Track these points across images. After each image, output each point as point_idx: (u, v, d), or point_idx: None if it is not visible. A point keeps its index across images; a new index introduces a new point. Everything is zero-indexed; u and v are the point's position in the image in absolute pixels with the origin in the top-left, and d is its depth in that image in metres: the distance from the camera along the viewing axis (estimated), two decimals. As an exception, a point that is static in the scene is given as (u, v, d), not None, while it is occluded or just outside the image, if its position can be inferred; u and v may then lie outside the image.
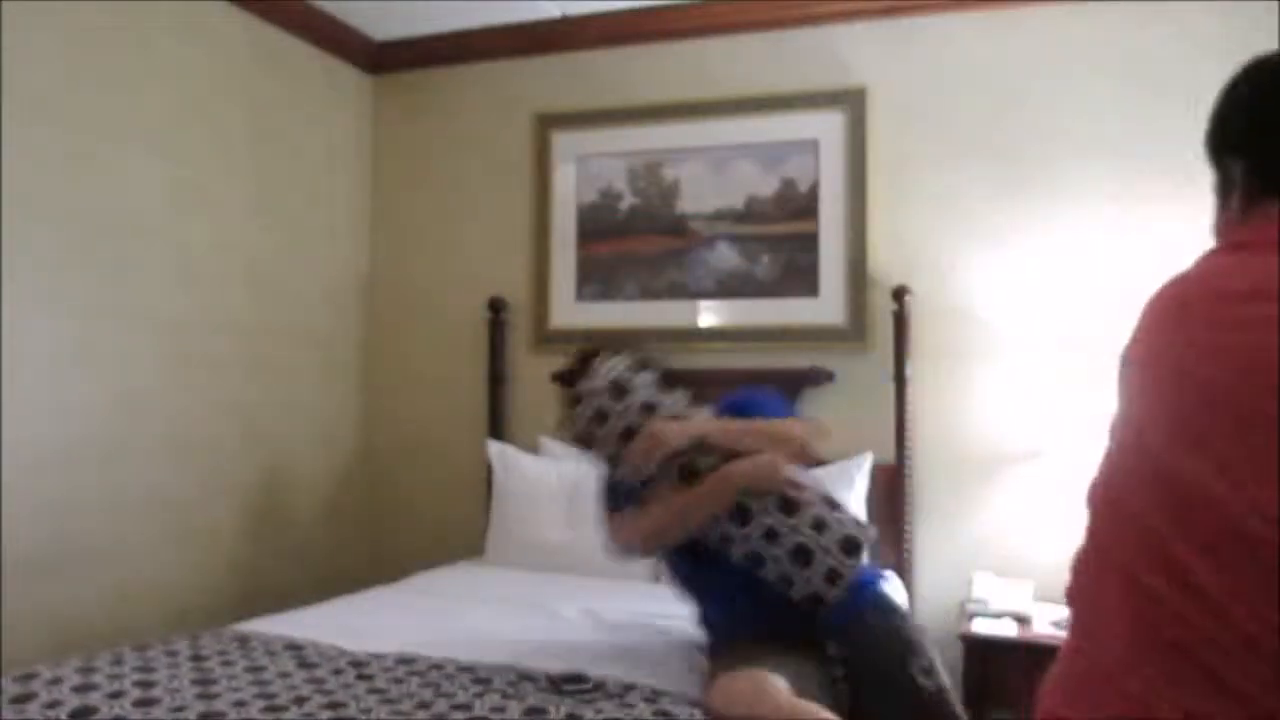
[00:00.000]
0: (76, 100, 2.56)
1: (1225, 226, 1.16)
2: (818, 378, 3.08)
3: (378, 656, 2.03)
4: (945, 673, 1.91)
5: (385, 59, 3.64)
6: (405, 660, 2.00)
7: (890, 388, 2.96)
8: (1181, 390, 0.99)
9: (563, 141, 3.43)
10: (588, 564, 2.74)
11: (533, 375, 3.43)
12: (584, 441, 2.14)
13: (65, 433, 2.53)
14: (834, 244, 3.11)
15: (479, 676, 1.89)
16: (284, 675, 1.88)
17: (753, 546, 1.96)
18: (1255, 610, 0.85)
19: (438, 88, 3.63)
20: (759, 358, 3.16)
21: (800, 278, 3.15)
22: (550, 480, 3.06)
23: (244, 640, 2.14)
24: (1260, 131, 1.13)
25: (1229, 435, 0.91)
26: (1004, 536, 2.90)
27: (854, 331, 3.08)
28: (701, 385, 3.21)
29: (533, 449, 3.28)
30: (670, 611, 2.36)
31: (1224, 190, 1.18)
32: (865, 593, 2.02)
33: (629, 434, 2.07)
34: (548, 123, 3.45)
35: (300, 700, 1.72)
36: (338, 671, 1.92)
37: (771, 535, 1.96)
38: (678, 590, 2.20)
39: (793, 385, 3.09)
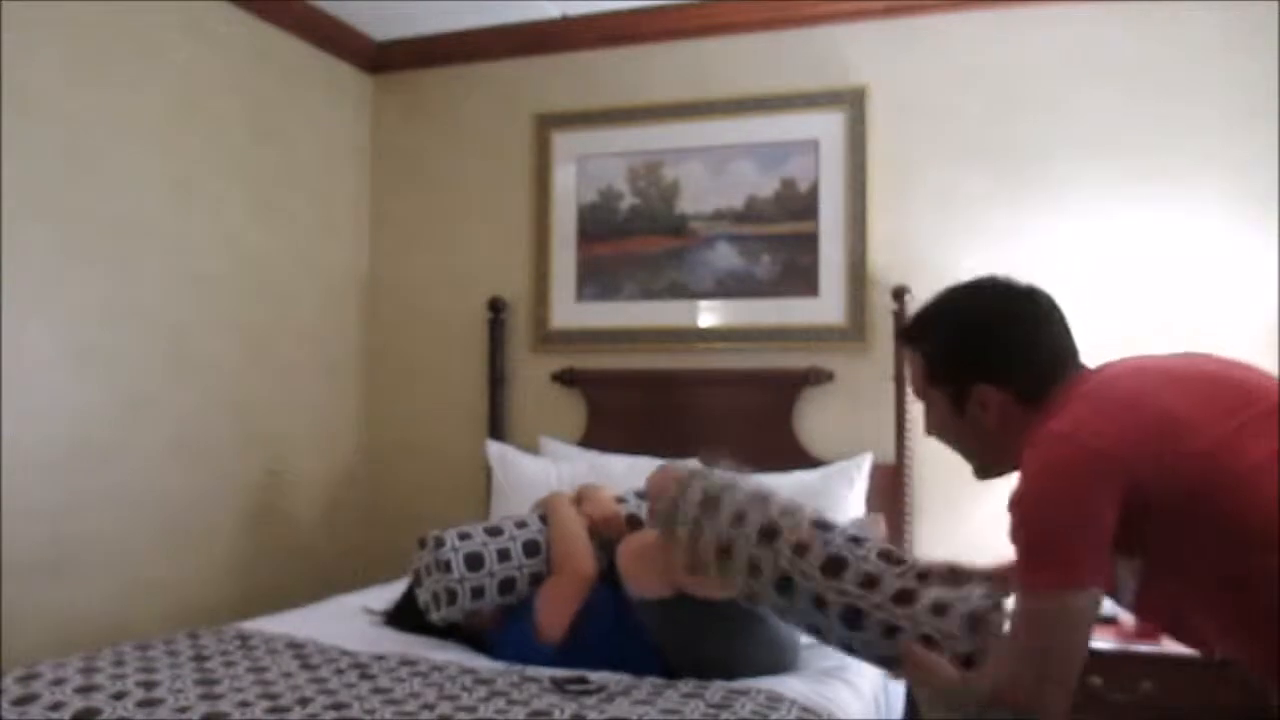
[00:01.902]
0: (76, 100, 2.56)
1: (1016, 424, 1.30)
2: (818, 378, 3.08)
3: (379, 657, 2.03)
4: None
5: (385, 59, 3.63)
6: (407, 661, 2.00)
7: (890, 388, 2.96)
8: None
9: (563, 141, 3.43)
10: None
11: (533, 375, 3.43)
12: None
13: (65, 433, 2.52)
14: (834, 244, 3.11)
15: (481, 678, 1.89)
16: (287, 675, 1.88)
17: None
18: None
19: (438, 88, 3.62)
20: (759, 358, 3.16)
21: (800, 278, 3.15)
22: (550, 480, 3.05)
23: (245, 639, 2.14)
24: (1021, 360, 1.31)
25: None
26: (1004, 537, 2.89)
27: (854, 331, 3.08)
28: (702, 385, 3.23)
29: (533, 449, 3.28)
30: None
31: (967, 409, 1.35)
32: None
33: None
34: (548, 123, 3.45)
35: (304, 701, 1.72)
36: (340, 671, 1.92)
37: None
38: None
39: (793, 385, 3.10)
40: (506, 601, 2.17)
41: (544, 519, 2.30)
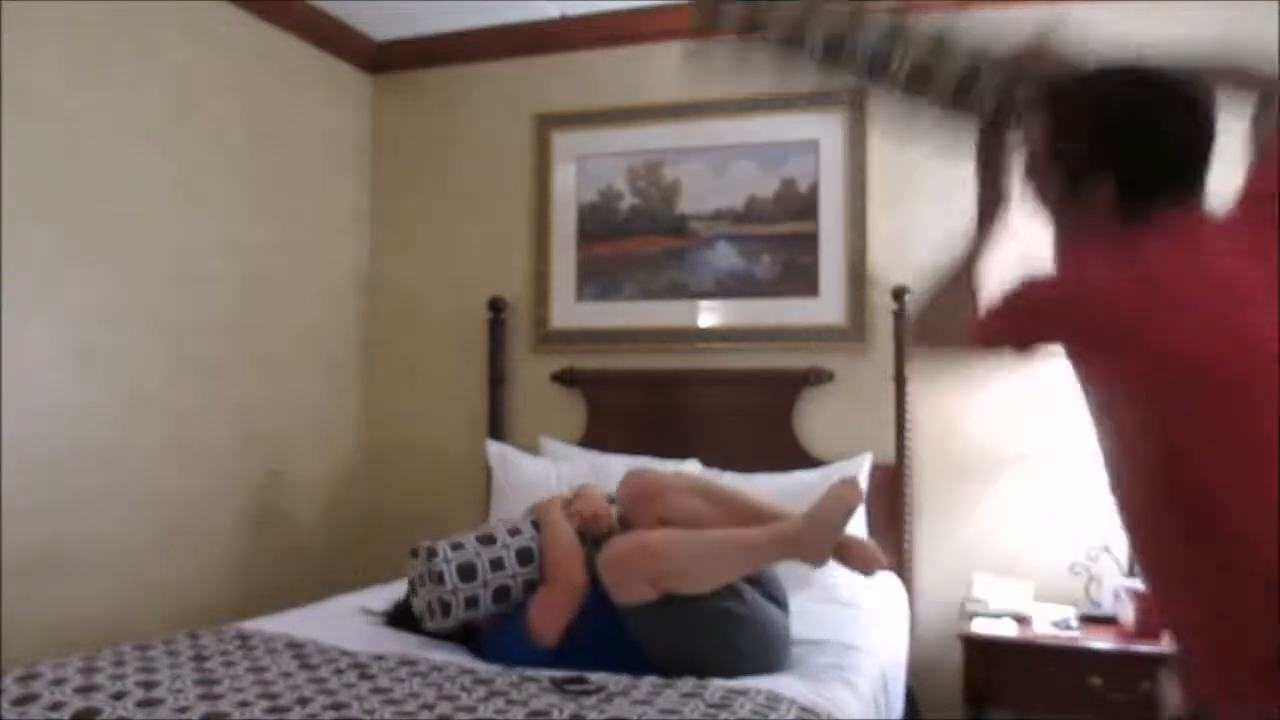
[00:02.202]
0: (76, 100, 2.56)
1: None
2: (818, 378, 3.08)
3: (379, 657, 2.03)
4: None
5: (385, 59, 3.63)
6: (407, 661, 2.00)
7: (890, 388, 2.96)
8: None
9: (563, 141, 3.43)
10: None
11: (533, 375, 3.43)
12: None
13: (65, 432, 2.52)
14: (834, 244, 3.11)
15: (481, 678, 1.89)
16: (286, 675, 1.88)
17: None
18: None
19: (438, 88, 3.62)
20: (759, 358, 3.16)
21: (800, 278, 3.15)
22: (550, 480, 3.05)
23: (245, 639, 2.14)
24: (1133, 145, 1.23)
25: None
26: (1004, 537, 2.90)
27: (854, 331, 3.08)
28: (702, 385, 3.23)
29: (533, 449, 3.28)
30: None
31: (1075, 206, 1.28)
32: None
33: None
34: (548, 123, 3.45)
35: (304, 701, 1.72)
36: (339, 671, 1.92)
37: None
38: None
39: (793, 385, 3.10)
40: (501, 609, 2.17)
41: (537, 525, 2.29)
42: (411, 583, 2.23)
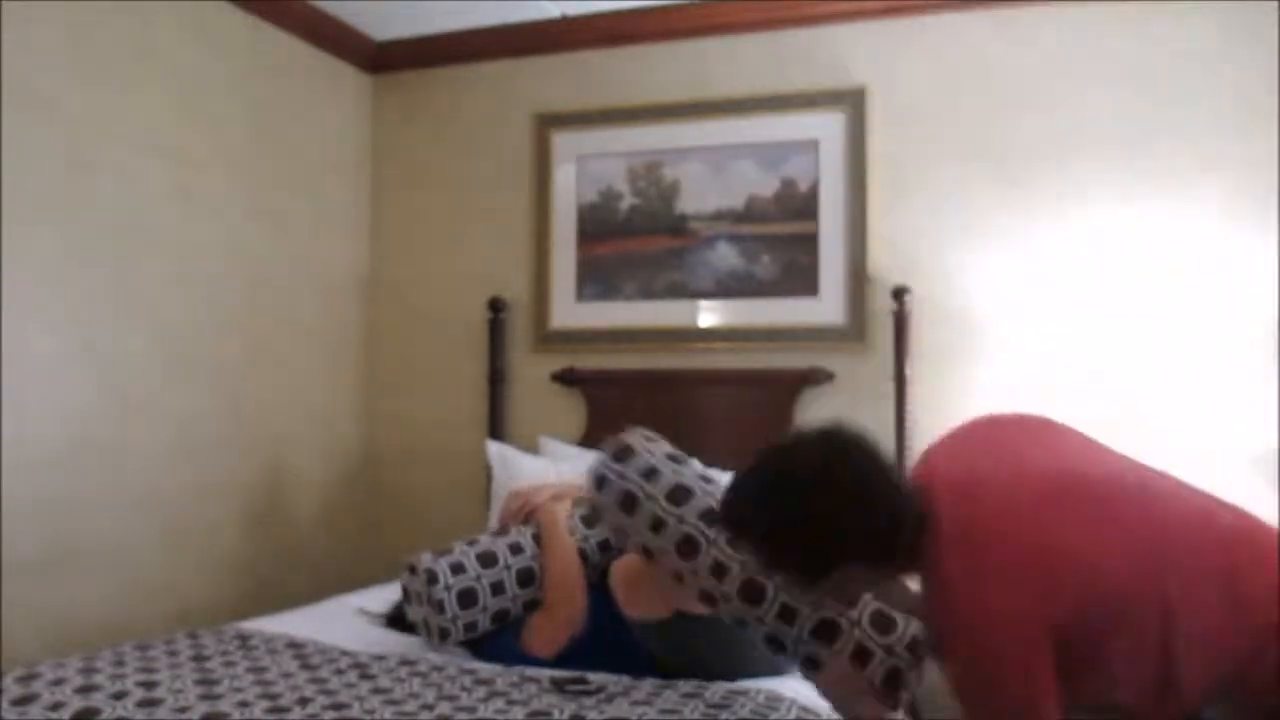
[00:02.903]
0: (77, 100, 2.56)
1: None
2: (818, 378, 3.08)
3: (379, 658, 2.03)
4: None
5: (385, 59, 3.63)
6: (407, 662, 2.00)
7: (890, 388, 2.96)
8: None
9: (563, 141, 3.43)
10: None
11: (533, 375, 3.43)
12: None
13: (65, 433, 2.52)
14: (834, 244, 3.11)
15: (481, 678, 1.89)
16: (286, 675, 1.88)
17: None
18: None
19: (438, 88, 3.62)
20: (759, 358, 3.16)
21: (800, 278, 3.15)
22: (550, 480, 3.05)
23: (245, 639, 2.14)
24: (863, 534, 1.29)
25: None
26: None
27: (854, 332, 3.08)
28: (702, 385, 3.23)
29: (533, 449, 3.28)
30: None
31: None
32: None
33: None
34: (548, 123, 3.45)
35: (304, 701, 1.72)
36: (339, 672, 1.92)
37: None
38: None
39: (793, 385, 3.10)
40: (499, 627, 2.15)
41: (537, 539, 2.23)
42: (407, 593, 2.18)
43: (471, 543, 2.20)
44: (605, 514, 1.70)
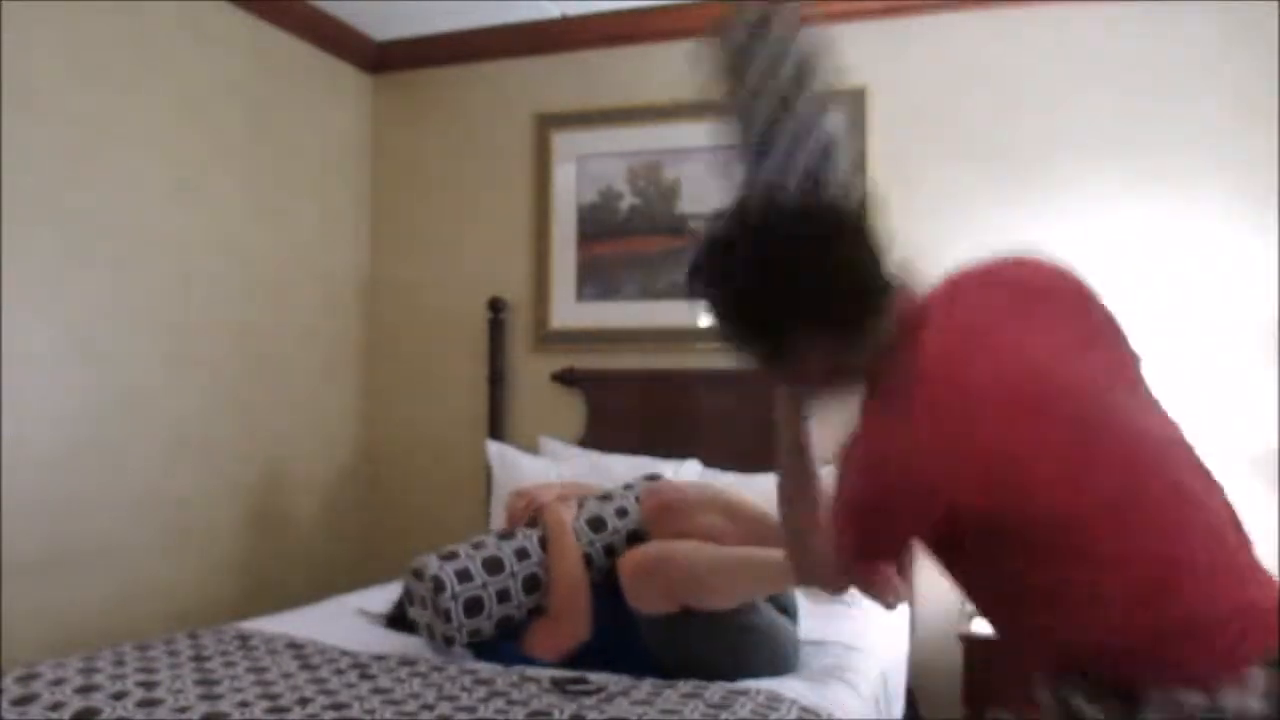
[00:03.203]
0: (77, 100, 2.56)
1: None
2: (818, 378, 3.07)
3: (379, 658, 2.03)
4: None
5: (385, 59, 3.63)
6: (407, 662, 2.00)
7: (890, 388, 2.96)
8: None
9: (563, 141, 3.43)
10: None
11: (533, 375, 3.43)
12: None
13: (65, 433, 2.52)
14: (834, 244, 3.11)
15: (481, 678, 1.89)
16: (286, 675, 1.88)
17: None
18: None
19: (438, 88, 3.62)
20: (759, 358, 3.16)
21: (800, 278, 3.14)
22: (553, 480, 3.06)
23: (245, 639, 2.14)
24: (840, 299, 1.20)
25: None
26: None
27: (854, 331, 3.07)
28: (702, 385, 3.22)
29: (533, 449, 3.28)
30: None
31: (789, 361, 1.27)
32: None
33: None
34: (548, 123, 3.45)
35: (304, 701, 1.72)
36: (340, 672, 1.92)
37: None
38: None
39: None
40: (503, 632, 2.14)
41: (543, 541, 2.20)
42: (410, 595, 2.15)
43: (477, 546, 2.15)
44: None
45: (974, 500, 1.11)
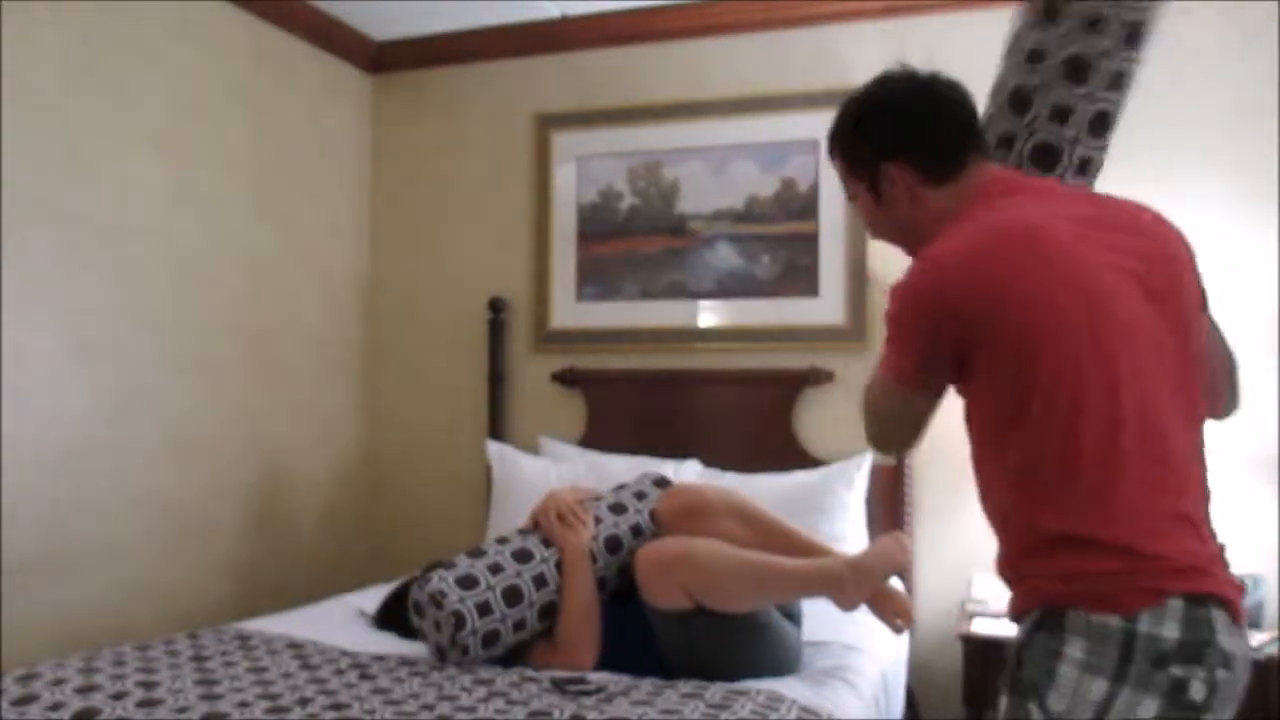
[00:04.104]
0: (76, 100, 2.56)
1: (922, 206, 1.39)
2: (818, 378, 3.08)
3: (379, 658, 2.03)
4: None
5: (385, 59, 3.63)
6: (407, 662, 2.00)
7: (890, 388, 2.96)
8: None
9: (563, 141, 3.43)
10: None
11: (533, 375, 3.43)
12: None
13: (65, 433, 2.52)
14: (834, 244, 3.11)
15: (481, 678, 1.89)
16: (286, 675, 1.88)
17: None
18: None
19: (438, 88, 3.62)
20: (759, 358, 3.16)
21: (800, 278, 3.15)
22: (549, 481, 3.05)
23: (245, 640, 2.14)
24: (916, 132, 1.39)
25: None
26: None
27: (854, 331, 3.08)
28: (702, 385, 3.23)
29: (533, 449, 3.28)
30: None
31: (882, 192, 1.42)
32: None
33: None
34: (548, 123, 3.45)
35: (304, 701, 1.72)
36: (340, 672, 1.92)
37: None
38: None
39: (793, 385, 3.10)
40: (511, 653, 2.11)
41: (558, 565, 2.13)
42: (417, 608, 2.06)
43: (495, 570, 2.06)
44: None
45: (978, 309, 1.23)
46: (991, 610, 2.65)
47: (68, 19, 2.52)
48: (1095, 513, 1.19)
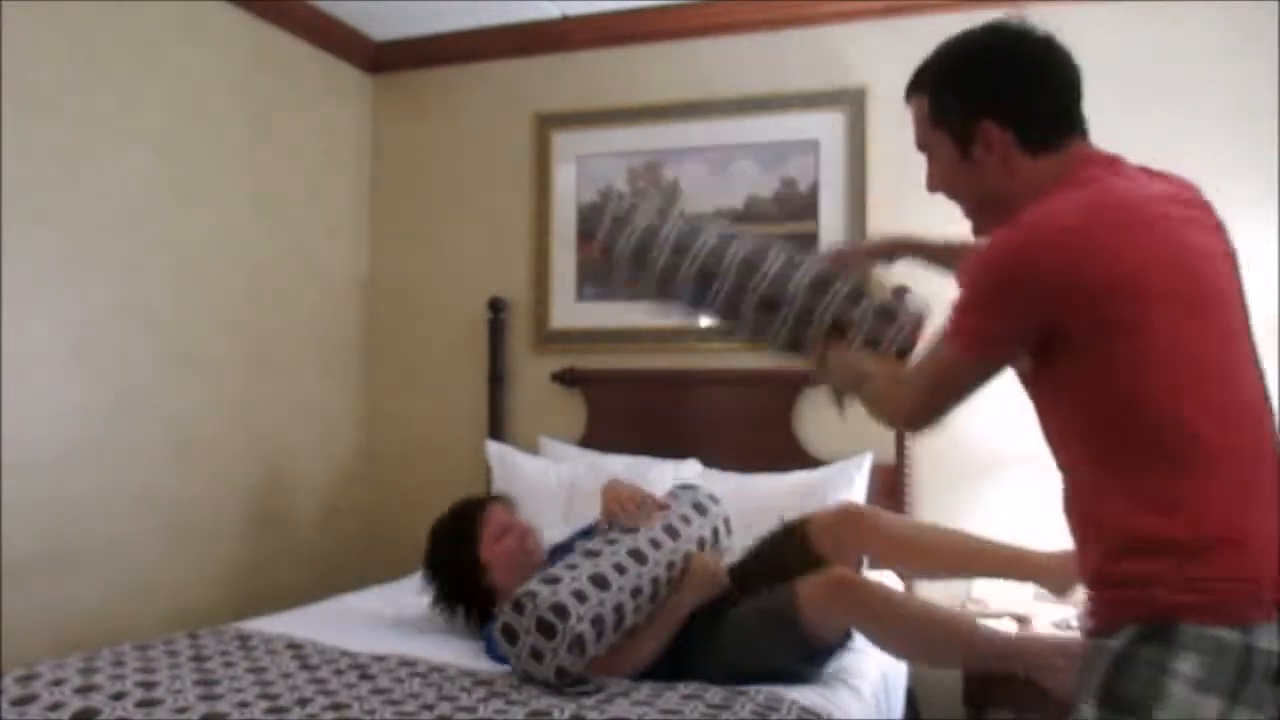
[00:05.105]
0: (76, 100, 2.56)
1: (1014, 173, 1.28)
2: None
3: (379, 658, 2.03)
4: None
5: (385, 59, 3.63)
6: (407, 662, 2.00)
7: (890, 388, 2.96)
8: None
9: (563, 141, 3.43)
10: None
11: (533, 375, 3.43)
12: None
13: (65, 433, 2.52)
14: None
15: (481, 679, 1.89)
16: (286, 676, 1.88)
17: None
18: None
19: (438, 88, 3.62)
20: (759, 358, 3.16)
21: (800, 278, 3.14)
22: (549, 481, 3.06)
23: (245, 640, 2.14)
24: (1028, 93, 1.29)
25: None
26: (1004, 537, 2.89)
27: (854, 332, 3.07)
28: (702, 385, 3.23)
29: (532, 449, 3.28)
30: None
31: (972, 151, 1.30)
32: None
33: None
34: (548, 123, 3.45)
35: (304, 701, 1.72)
36: (339, 672, 1.92)
37: None
38: None
39: (793, 385, 3.10)
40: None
41: (672, 583, 2.04)
42: (511, 630, 1.87)
43: (619, 611, 1.92)
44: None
45: (1082, 282, 1.13)
46: (992, 610, 2.65)
47: (68, 19, 2.52)
48: (1219, 514, 1.09)
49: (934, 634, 1.92)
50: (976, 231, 1.42)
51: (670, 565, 2.04)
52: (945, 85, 1.33)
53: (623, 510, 2.13)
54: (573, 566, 1.94)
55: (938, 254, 1.78)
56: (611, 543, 2.03)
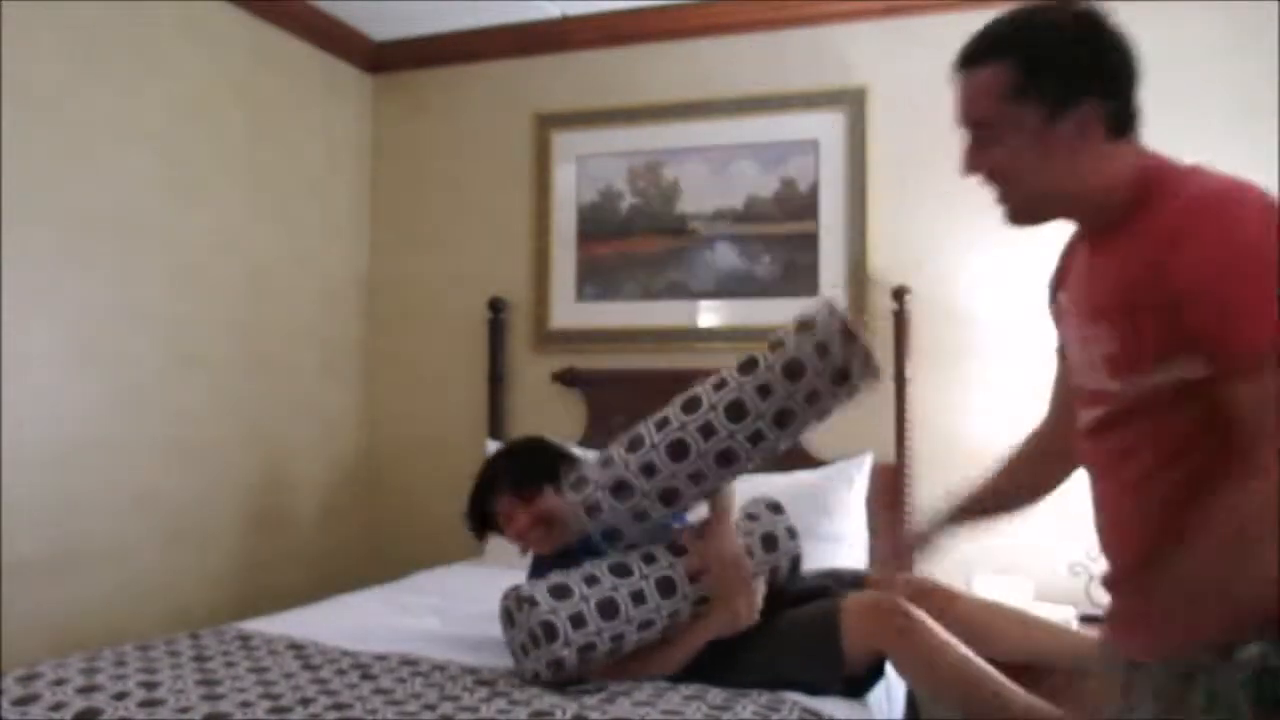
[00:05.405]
0: (76, 100, 2.55)
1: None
2: (818, 378, 3.07)
3: (381, 658, 2.02)
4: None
5: (385, 59, 3.63)
6: (409, 662, 2.00)
7: (890, 388, 2.96)
8: None
9: (563, 141, 3.43)
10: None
11: (533, 375, 3.43)
12: None
13: (65, 433, 2.52)
14: (834, 244, 3.12)
15: (483, 679, 1.89)
16: (288, 676, 1.87)
17: None
18: None
19: (438, 88, 3.62)
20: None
21: (800, 278, 3.15)
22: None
23: (246, 640, 2.13)
24: (1127, 74, 1.22)
25: None
26: (1004, 536, 2.90)
27: (854, 331, 3.08)
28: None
29: (533, 449, 3.28)
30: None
31: (1059, 130, 1.19)
32: None
33: None
34: (548, 123, 3.45)
35: (306, 701, 1.72)
36: (341, 672, 1.92)
37: None
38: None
39: (793, 385, 3.10)
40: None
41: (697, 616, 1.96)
42: (512, 616, 1.89)
43: (608, 612, 1.85)
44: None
45: None
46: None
47: (68, 19, 2.52)
48: None
49: (976, 696, 1.79)
50: (1017, 222, 1.32)
51: (699, 601, 1.94)
52: (1047, 55, 1.20)
53: (719, 586, 1.95)
54: (591, 580, 1.87)
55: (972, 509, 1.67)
56: (649, 560, 1.93)
